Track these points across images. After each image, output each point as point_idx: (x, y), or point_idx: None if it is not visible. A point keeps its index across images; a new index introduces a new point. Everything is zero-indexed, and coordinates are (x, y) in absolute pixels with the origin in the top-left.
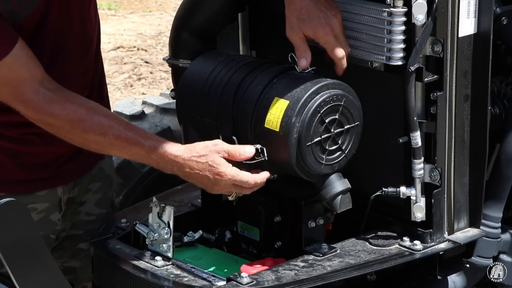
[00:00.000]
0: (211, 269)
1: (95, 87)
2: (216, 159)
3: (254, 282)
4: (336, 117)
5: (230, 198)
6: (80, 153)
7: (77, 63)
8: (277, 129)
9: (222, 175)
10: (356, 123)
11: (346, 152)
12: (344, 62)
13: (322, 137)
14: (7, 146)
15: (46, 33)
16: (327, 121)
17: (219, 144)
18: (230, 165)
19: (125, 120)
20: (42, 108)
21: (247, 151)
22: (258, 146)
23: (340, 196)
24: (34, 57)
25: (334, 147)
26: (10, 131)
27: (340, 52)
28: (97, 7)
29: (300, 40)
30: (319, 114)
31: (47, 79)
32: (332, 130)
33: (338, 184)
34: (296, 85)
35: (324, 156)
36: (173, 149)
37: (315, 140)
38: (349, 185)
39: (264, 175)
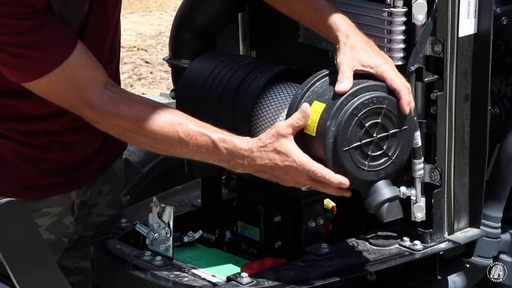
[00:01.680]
0: (211, 269)
1: None
2: (283, 143)
3: (254, 282)
4: (379, 120)
5: (303, 188)
6: (94, 158)
7: (106, 68)
8: (314, 134)
9: (291, 161)
10: (404, 127)
11: (393, 158)
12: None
13: (362, 141)
14: (25, 153)
15: (84, 41)
16: (367, 124)
17: (278, 125)
18: (301, 151)
19: (192, 118)
20: (108, 109)
21: (303, 110)
22: None
23: (387, 204)
24: (95, 59)
25: (378, 153)
26: (30, 139)
27: (401, 80)
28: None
29: (349, 69)
30: (357, 117)
31: (110, 81)
32: (374, 135)
33: (386, 191)
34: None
35: (366, 162)
36: (243, 143)
37: (354, 145)
38: (397, 193)
39: (340, 177)
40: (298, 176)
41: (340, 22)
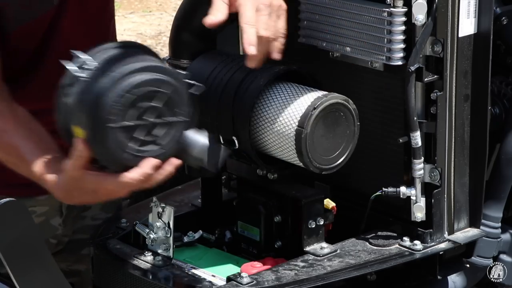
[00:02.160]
0: (211, 269)
1: None
2: (82, 183)
3: (254, 282)
4: (154, 104)
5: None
6: None
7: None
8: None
9: (102, 190)
10: (181, 118)
11: (164, 146)
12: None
13: (130, 123)
14: None
15: (56, 40)
16: (139, 105)
17: (67, 169)
18: (104, 176)
19: (37, 128)
20: None
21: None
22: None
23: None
24: None
25: (149, 139)
26: None
27: (250, 17)
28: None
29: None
30: (129, 95)
31: None
32: (145, 118)
33: (199, 138)
34: (119, 60)
35: (134, 146)
36: (51, 177)
37: (119, 124)
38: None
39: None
40: (118, 192)
41: None
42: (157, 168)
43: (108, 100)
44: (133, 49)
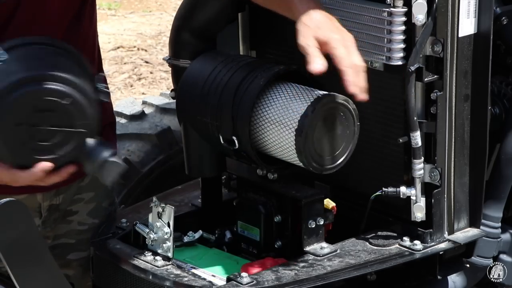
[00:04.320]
0: (211, 269)
1: None
2: None
3: (254, 282)
4: (50, 113)
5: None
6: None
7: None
8: None
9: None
10: (79, 129)
11: (60, 156)
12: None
13: (24, 124)
14: None
15: (9, 32)
16: (37, 113)
17: None
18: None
19: None
20: None
21: None
22: None
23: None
24: None
25: (41, 143)
26: None
27: (350, 60)
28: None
29: (312, 47)
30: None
31: None
32: (38, 124)
33: (102, 151)
34: (32, 61)
35: (26, 146)
36: None
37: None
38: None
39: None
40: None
41: (304, 2)
42: (50, 171)
43: (8, 99)
44: (50, 48)
